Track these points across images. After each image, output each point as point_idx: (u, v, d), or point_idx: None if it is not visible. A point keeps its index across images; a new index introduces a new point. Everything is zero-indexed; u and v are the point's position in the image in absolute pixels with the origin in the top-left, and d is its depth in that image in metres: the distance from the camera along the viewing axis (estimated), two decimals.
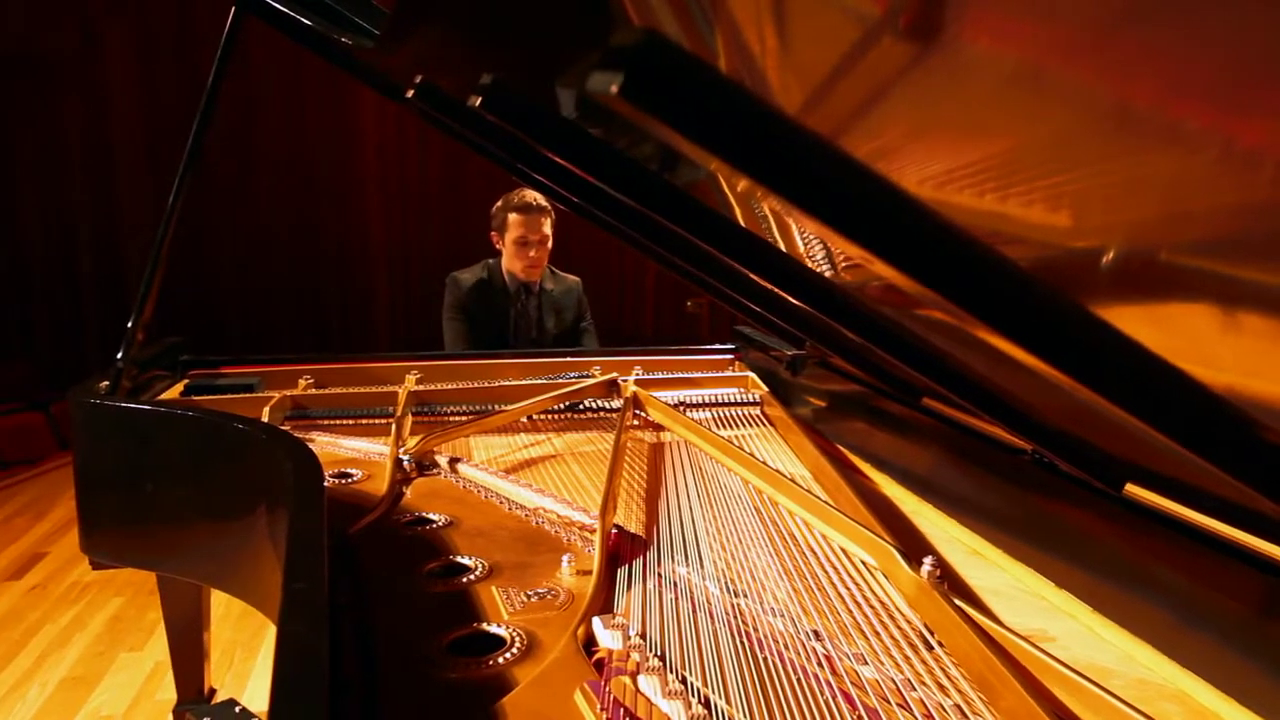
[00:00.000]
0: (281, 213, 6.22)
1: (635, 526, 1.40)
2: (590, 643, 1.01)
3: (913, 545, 1.29)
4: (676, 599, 1.14)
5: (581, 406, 2.21)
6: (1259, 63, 0.42)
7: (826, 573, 1.22)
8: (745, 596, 1.15)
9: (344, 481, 1.69)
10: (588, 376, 2.33)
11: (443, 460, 1.77)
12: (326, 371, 2.40)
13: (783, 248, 1.46)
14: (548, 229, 3.07)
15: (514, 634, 1.05)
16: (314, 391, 2.27)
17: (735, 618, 1.09)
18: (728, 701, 0.90)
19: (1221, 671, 0.92)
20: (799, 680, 0.95)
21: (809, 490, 1.46)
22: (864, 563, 1.25)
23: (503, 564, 1.27)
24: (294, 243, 6.25)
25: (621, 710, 0.86)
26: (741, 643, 1.02)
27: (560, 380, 2.32)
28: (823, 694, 0.92)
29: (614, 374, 2.30)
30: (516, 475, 1.69)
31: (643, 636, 1.03)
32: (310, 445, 1.45)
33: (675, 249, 1.46)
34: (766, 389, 2.23)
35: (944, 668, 0.97)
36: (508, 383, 2.35)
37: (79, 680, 2.86)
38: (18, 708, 2.70)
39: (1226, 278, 0.60)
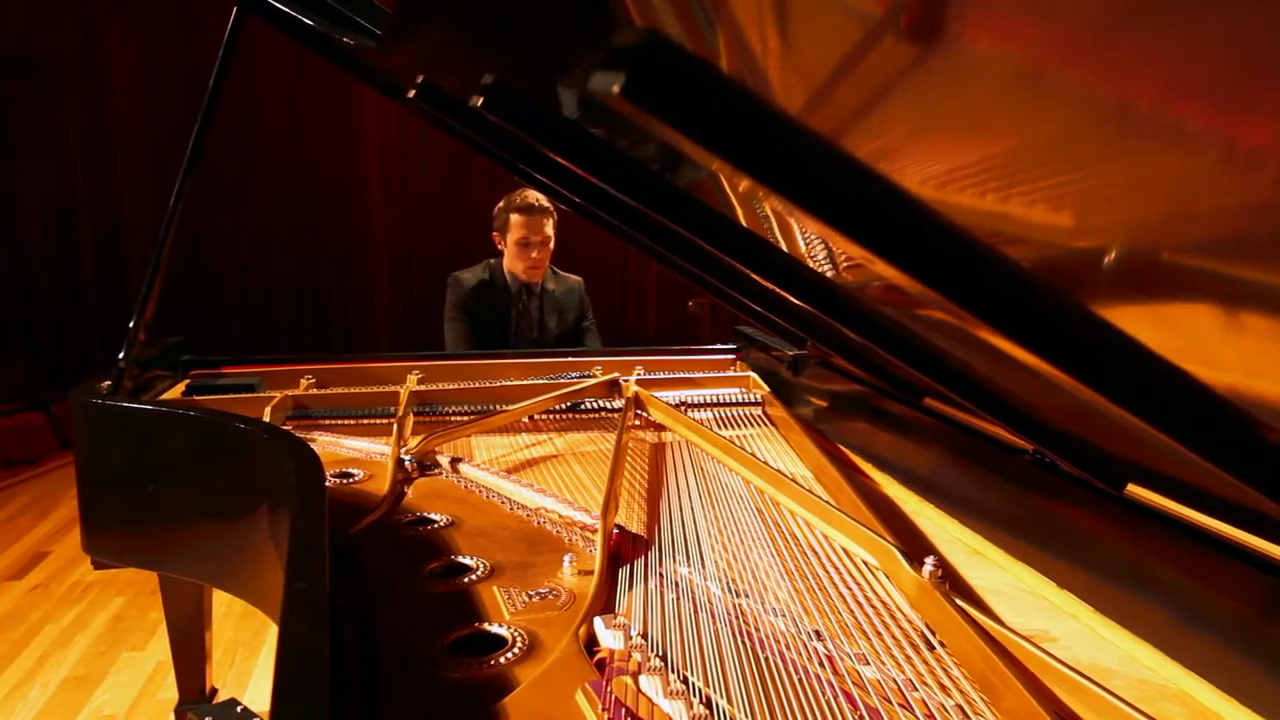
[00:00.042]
0: (283, 213, 6.23)
1: (637, 526, 1.40)
2: (592, 643, 1.01)
3: (914, 545, 1.29)
4: (678, 599, 1.14)
5: (583, 406, 2.21)
6: (1260, 63, 0.42)
7: (828, 573, 1.22)
8: (747, 596, 1.15)
9: (345, 481, 1.69)
10: (589, 376, 2.33)
11: (444, 460, 1.77)
12: (328, 371, 2.40)
13: (784, 248, 1.47)
14: (550, 230, 3.08)
15: (515, 634, 1.05)
16: (315, 391, 2.28)
17: (737, 618, 1.09)
18: (729, 702, 0.90)
19: (1223, 672, 0.92)
20: (800, 680, 0.95)
21: (810, 490, 1.46)
22: (865, 563, 1.25)
23: (504, 564, 1.27)
24: (296, 243, 6.26)
25: (623, 710, 0.86)
26: (743, 643, 1.02)
27: (562, 380, 2.32)
28: (824, 694, 0.92)
29: (615, 374, 2.30)
30: (518, 475, 1.69)
31: (644, 636, 1.03)
32: (312, 445, 1.45)
33: (677, 249, 1.46)
34: (768, 389, 2.23)
35: (945, 668, 0.97)
36: (509, 383, 2.35)
37: (81, 680, 2.87)
38: (19, 707, 2.71)
39: (1228, 278, 0.60)
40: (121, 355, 2.06)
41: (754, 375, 2.36)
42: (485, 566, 1.26)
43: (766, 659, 0.99)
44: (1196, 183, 0.54)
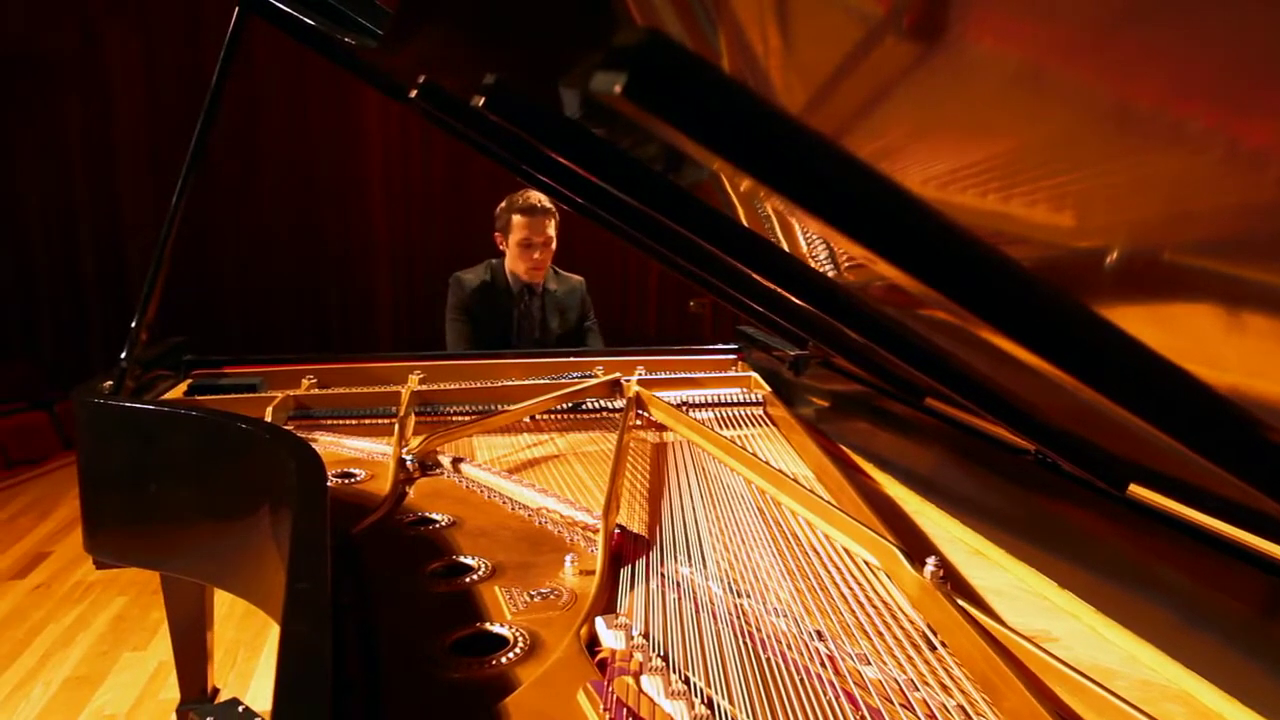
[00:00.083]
0: (285, 213, 6.23)
1: (638, 526, 1.40)
2: (593, 643, 1.01)
3: (915, 545, 1.29)
4: (679, 599, 1.14)
5: (585, 407, 2.21)
6: (1260, 63, 0.42)
7: (829, 573, 1.22)
8: (748, 597, 1.15)
9: (347, 481, 1.70)
10: (591, 376, 2.33)
11: (446, 460, 1.77)
12: (329, 371, 2.40)
13: (786, 248, 1.47)
14: (551, 231, 3.08)
15: (517, 634, 1.05)
16: (317, 391, 2.28)
17: (738, 618, 1.09)
18: (731, 702, 0.90)
19: (1225, 672, 0.92)
20: (802, 680, 0.95)
21: (812, 490, 1.46)
22: (867, 563, 1.25)
23: (505, 564, 1.27)
24: (297, 243, 6.26)
25: (624, 710, 0.86)
26: (745, 643, 1.02)
27: (563, 380, 2.32)
28: (826, 694, 0.92)
29: (617, 374, 2.30)
30: (519, 475, 1.69)
31: (646, 637, 1.03)
32: (313, 445, 1.45)
33: (678, 249, 1.46)
34: (769, 389, 2.23)
35: (947, 668, 0.97)
36: (511, 383, 2.35)
37: (82, 679, 2.87)
38: (21, 707, 2.71)
39: (1230, 278, 0.60)
40: (123, 355, 2.06)
41: (755, 375, 2.36)
42: (487, 566, 1.26)
43: (768, 659, 0.99)
44: (1197, 183, 0.54)
